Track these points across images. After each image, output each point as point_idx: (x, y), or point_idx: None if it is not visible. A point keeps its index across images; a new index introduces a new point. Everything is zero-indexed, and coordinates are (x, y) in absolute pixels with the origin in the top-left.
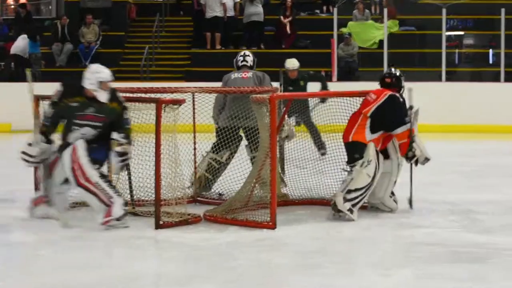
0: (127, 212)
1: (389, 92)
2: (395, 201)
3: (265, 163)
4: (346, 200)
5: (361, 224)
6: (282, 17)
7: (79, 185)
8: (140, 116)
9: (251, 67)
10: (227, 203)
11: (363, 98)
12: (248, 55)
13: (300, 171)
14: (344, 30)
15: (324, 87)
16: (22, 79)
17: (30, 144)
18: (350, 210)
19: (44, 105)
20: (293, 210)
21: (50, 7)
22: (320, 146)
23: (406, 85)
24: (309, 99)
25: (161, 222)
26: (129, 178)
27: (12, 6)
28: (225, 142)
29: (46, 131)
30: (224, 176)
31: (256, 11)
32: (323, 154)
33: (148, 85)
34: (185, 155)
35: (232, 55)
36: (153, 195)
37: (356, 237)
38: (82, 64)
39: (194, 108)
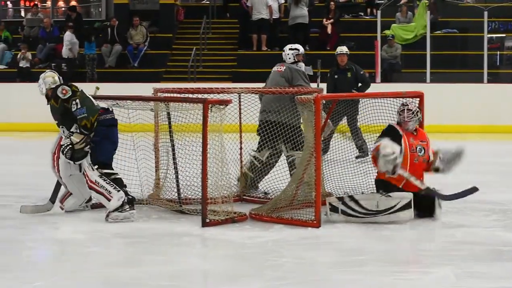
0: (131, 206)
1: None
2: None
3: (310, 163)
4: None
5: (402, 224)
6: (324, 20)
7: (89, 187)
8: (187, 116)
9: (285, 61)
10: (273, 201)
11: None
12: (284, 50)
13: (344, 171)
14: (387, 32)
15: (361, 90)
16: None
17: None
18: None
19: None
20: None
21: (100, 9)
22: (360, 149)
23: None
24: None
25: (207, 220)
26: (177, 177)
27: (63, 9)
28: (263, 138)
29: None
30: (269, 175)
31: (301, 14)
32: (357, 157)
33: (195, 85)
34: (231, 155)
35: (278, 56)
36: (200, 194)
37: (398, 236)
38: (131, 65)
39: (240, 108)
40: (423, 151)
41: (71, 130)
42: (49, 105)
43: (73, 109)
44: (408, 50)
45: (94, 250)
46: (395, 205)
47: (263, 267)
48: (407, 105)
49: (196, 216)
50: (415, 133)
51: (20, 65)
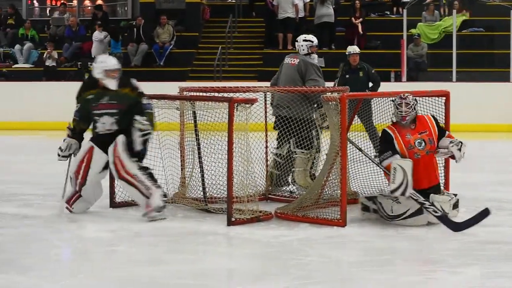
0: (165, 204)
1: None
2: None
3: (336, 162)
4: None
5: (429, 223)
6: (353, 18)
7: (121, 177)
8: (213, 114)
9: (298, 52)
10: (298, 200)
11: None
12: (297, 41)
13: (370, 170)
14: (413, 31)
15: (374, 89)
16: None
17: (64, 140)
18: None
19: None
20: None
21: (126, 8)
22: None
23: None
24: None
25: (233, 219)
26: (202, 175)
27: (89, 8)
28: (280, 133)
29: (75, 125)
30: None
31: (327, 12)
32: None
33: (221, 84)
34: (257, 154)
35: None
36: (226, 193)
37: (424, 236)
38: (157, 64)
39: (266, 107)
40: (423, 143)
41: (138, 118)
42: (104, 92)
43: (144, 102)
44: (434, 49)
45: (119, 249)
46: (405, 212)
47: (288, 266)
48: (405, 98)
49: (221, 215)
50: (413, 126)
51: (46, 64)
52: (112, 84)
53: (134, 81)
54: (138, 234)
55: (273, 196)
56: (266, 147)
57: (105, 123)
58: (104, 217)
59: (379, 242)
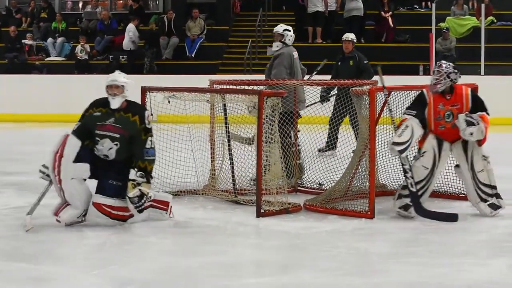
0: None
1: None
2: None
3: (365, 154)
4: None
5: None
6: (382, 12)
7: (113, 217)
8: (243, 107)
9: None
10: (327, 192)
11: None
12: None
13: (398, 163)
14: (442, 25)
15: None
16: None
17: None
18: (404, 207)
19: (151, 97)
20: (391, 200)
21: (157, 2)
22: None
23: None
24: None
25: (262, 211)
26: (232, 167)
27: (121, 1)
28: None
29: None
30: (324, 166)
31: (357, 6)
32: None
33: (251, 77)
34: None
35: (333, 49)
36: (255, 184)
37: (452, 227)
38: (188, 57)
39: (295, 100)
40: (451, 116)
41: (134, 177)
42: (113, 113)
43: (146, 146)
44: (463, 43)
45: (150, 240)
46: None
47: (317, 258)
48: (439, 65)
49: (251, 207)
50: (449, 97)
51: (78, 57)
52: (114, 102)
53: (147, 113)
54: (169, 226)
55: (302, 188)
56: (296, 139)
57: (104, 147)
58: None
59: (407, 234)
